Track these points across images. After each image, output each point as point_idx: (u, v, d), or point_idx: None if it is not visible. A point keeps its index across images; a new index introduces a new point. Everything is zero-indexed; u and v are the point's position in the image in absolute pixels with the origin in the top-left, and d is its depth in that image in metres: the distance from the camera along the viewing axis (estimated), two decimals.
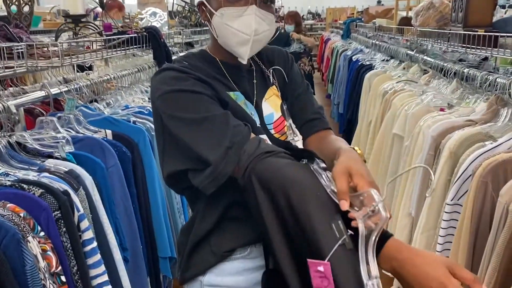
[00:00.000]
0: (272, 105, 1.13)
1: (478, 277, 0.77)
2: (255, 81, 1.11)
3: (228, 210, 1.02)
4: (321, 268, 0.75)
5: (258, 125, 1.07)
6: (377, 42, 4.09)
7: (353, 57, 4.24)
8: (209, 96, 0.97)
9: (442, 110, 2.02)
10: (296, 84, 1.21)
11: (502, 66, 2.27)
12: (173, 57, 2.73)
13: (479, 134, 1.60)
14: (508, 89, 1.64)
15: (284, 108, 1.15)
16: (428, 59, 2.65)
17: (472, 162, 1.46)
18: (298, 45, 5.45)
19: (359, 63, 3.90)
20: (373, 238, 0.74)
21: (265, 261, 1.03)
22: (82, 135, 1.56)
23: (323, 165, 0.87)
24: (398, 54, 3.33)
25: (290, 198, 0.81)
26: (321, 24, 12.76)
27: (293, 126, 1.14)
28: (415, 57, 2.92)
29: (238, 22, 1.01)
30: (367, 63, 3.76)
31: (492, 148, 1.46)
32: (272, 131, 1.10)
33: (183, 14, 3.88)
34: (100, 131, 1.67)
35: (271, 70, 1.16)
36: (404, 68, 3.09)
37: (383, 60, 3.64)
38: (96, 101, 1.86)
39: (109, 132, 1.67)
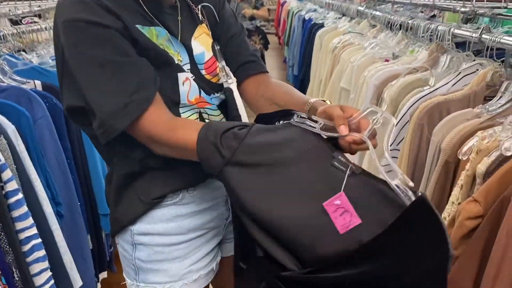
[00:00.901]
0: (202, 43, 1.04)
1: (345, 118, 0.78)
2: (179, 18, 1.00)
3: (145, 160, 0.96)
4: (338, 202, 0.73)
5: (187, 63, 0.99)
6: (329, 1, 4.04)
7: (306, 16, 4.19)
8: (121, 33, 0.87)
9: (386, 60, 2.02)
10: (229, 24, 1.13)
11: (449, 23, 2.29)
12: None
13: (419, 81, 1.61)
14: (448, 36, 1.65)
15: (216, 48, 1.08)
16: (377, 13, 2.64)
17: (410, 107, 1.47)
18: (250, 21, 5.28)
19: (312, 22, 3.86)
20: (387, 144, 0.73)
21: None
22: (5, 84, 1.45)
23: (303, 114, 0.83)
24: (349, 11, 3.31)
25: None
26: None
27: (227, 68, 1.08)
28: (365, 12, 2.91)
29: None
30: (320, 21, 3.72)
31: (430, 93, 1.47)
32: (203, 72, 1.02)
33: None
34: (28, 82, 1.56)
35: (199, 7, 1.08)
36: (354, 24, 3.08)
37: (336, 18, 3.61)
38: (24, 51, 1.74)
39: (38, 83, 1.57)
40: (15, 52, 1.69)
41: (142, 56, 0.89)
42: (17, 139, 1.26)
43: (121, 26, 0.87)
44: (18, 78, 1.55)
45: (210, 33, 1.09)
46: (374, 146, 0.77)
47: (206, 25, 1.09)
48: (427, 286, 0.69)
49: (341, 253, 0.72)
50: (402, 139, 1.49)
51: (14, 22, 2.43)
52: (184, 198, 1.02)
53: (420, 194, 0.67)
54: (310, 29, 3.80)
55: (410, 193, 0.69)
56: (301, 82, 4.00)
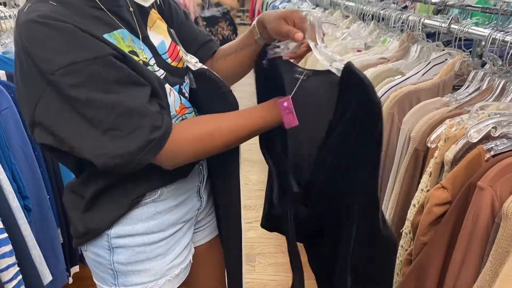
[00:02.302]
0: (159, 31, 1.00)
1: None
2: (131, 9, 0.95)
3: None
4: (285, 104, 0.89)
5: (151, 58, 0.94)
6: None
7: (280, 6, 4.18)
8: (113, 55, 0.81)
9: (359, 51, 2.03)
10: (175, 9, 1.11)
11: (420, 14, 2.32)
12: None
13: (390, 71, 1.63)
14: (418, 26, 1.67)
15: (172, 32, 1.05)
16: (350, 4, 2.65)
17: (381, 96, 1.49)
18: (216, 8, 5.15)
19: None
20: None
21: None
22: None
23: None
24: (322, 1, 3.32)
25: None
26: None
27: (185, 53, 1.06)
28: (338, 3, 2.92)
29: None
30: None
31: (400, 82, 1.49)
32: (169, 61, 0.99)
33: None
34: None
35: None
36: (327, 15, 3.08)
37: (310, 9, 3.61)
38: None
39: (2, 72, 1.51)
40: None
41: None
42: None
43: (112, 51, 0.81)
44: None
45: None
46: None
47: (155, 10, 1.04)
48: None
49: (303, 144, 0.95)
50: None
51: None
52: (162, 194, 1.00)
53: (348, 62, 0.83)
54: None
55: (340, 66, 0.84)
56: None
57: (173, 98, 0.94)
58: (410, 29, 1.75)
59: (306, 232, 1.03)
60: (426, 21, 1.63)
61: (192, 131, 0.89)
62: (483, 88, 1.22)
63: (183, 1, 5.19)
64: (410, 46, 1.71)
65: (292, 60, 0.96)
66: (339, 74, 0.84)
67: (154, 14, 1.02)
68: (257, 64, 1.02)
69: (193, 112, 1.01)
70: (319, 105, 0.93)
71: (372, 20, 2.21)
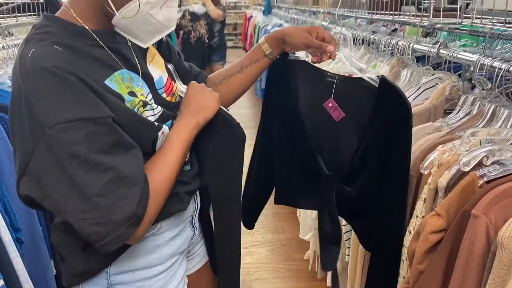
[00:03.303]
0: (158, 66, 1.03)
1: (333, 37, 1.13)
2: (129, 43, 0.96)
3: None
4: (330, 104, 1.17)
5: (148, 93, 0.95)
6: (295, 16, 4.11)
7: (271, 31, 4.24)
8: (112, 118, 0.82)
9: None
10: (172, 46, 1.15)
11: (410, 37, 2.35)
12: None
13: None
14: (408, 51, 1.70)
15: (170, 68, 1.08)
16: (339, 29, 2.69)
17: None
18: (202, 7, 5.19)
19: None
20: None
21: None
22: None
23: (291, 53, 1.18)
24: (314, 25, 3.37)
25: None
26: (245, 2, 12.68)
27: (183, 86, 1.08)
28: (328, 27, 2.96)
29: (162, 13, 0.90)
30: None
31: None
32: (164, 95, 1.01)
33: None
34: None
35: None
36: None
37: None
38: None
39: None
40: None
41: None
42: None
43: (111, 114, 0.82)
44: None
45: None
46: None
47: (153, 45, 1.06)
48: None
49: (338, 136, 1.19)
50: None
51: None
52: (161, 227, 1.00)
53: (381, 76, 1.09)
54: None
55: (375, 77, 1.11)
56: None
57: (161, 140, 0.94)
58: (400, 53, 1.78)
59: (348, 207, 1.22)
60: (416, 46, 1.66)
61: (154, 188, 0.87)
62: (474, 112, 1.23)
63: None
64: (401, 70, 1.73)
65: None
66: (373, 83, 1.10)
67: (153, 49, 1.04)
68: (276, 63, 1.18)
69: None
70: (355, 105, 1.15)
71: (363, 44, 2.24)
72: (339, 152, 1.20)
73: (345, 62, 1.17)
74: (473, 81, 1.40)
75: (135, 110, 0.90)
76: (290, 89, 1.20)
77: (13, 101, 0.81)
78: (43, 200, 0.79)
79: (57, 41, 0.82)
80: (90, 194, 0.77)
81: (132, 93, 0.91)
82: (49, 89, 0.77)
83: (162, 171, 0.90)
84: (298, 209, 2.70)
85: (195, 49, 5.07)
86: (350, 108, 1.16)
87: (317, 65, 1.17)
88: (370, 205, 1.16)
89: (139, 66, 0.95)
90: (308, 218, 2.28)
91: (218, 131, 1.03)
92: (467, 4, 1.39)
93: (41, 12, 2.15)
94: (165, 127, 0.95)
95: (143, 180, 0.84)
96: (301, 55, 1.21)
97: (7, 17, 1.92)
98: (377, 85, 1.09)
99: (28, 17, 2.07)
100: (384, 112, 1.08)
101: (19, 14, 2.00)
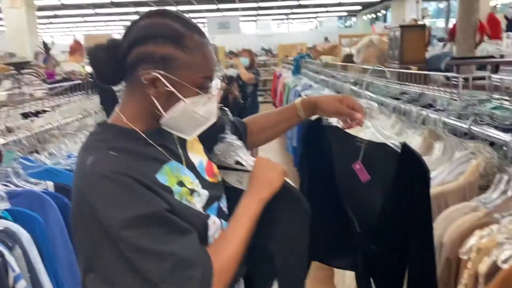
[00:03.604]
0: (197, 152, 1.11)
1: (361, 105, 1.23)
2: (174, 136, 1.05)
3: None
4: (357, 166, 1.30)
5: (195, 180, 1.03)
6: (324, 78, 4.24)
7: (302, 93, 4.37)
8: (166, 209, 0.90)
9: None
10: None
11: (440, 97, 2.41)
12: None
13: None
14: (439, 125, 1.74)
15: (205, 151, 1.16)
16: (370, 94, 2.77)
17: None
18: (236, 70, 5.55)
19: None
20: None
21: None
22: (20, 189, 1.51)
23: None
24: (343, 89, 3.47)
25: None
26: (273, 60, 13.11)
27: (244, 157, 1.15)
28: (359, 92, 3.05)
29: (204, 109, 0.99)
30: None
31: None
32: (207, 177, 1.09)
33: None
34: (40, 183, 1.62)
35: None
36: None
37: None
38: (37, 151, 1.82)
39: (50, 183, 1.63)
40: (28, 154, 1.76)
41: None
42: (31, 246, 1.30)
43: (166, 206, 0.90)
44: (31, 179, 1.61)
45: None
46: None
47: None
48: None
49: (365, 196, 1.31)
50: None
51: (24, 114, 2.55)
52: None
53: (403, 142, 1.22)
54: None
55: (398, 144, 1.24)
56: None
57: (214, 229, 1.00)
58: (431, 125, 1.82)
59: (376, 266, 1.33)
60: (447, 120, 1.70)
61: (221, 265, 0.94)
62: (510, 193, 1.25)
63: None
64: (433, 143, 1.77)
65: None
66: (396, 148, 1.23)
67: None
68: (311, 127, 1.37)
69: None
70: (380, 168, 1.27)
71: (393, 112, 2.30)
72: (366, 211, 1.31)
73: (372, 129, 1.32)
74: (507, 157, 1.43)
75: (184, 200, 0.97)
76: (324, 151, 1.36)
77: (75, 205, 0.91)
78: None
79: (111, 147, 0.93)
80: (156, 281, 0.84)
81: (180, 183, 0.99)
82: (108, 193, 0.86)
83: (229, 248, 0.97)
84: (335, 273, 2.68)
85: (232, 110, 5.33)
86: (376, 171, 1.28)
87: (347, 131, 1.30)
88: (395, 261, 1.27)
89: (182, 157, 1.05)
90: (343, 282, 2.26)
91: (282, 203, 1.09)
92: (496, 86, 1.44)
93: (90, 91, 2.33)
94: (214, 217, 1.01)
95: (204, 259, 0.91)
96: (333, 121, 1.35)
97: (61, 98, 2.09)
98: (399, 151, 1.22)
99: (79, 95, 2.25)
100: (405, 175, 1.20)
101: (71, 94, 2.18)
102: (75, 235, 0.92)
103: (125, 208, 0.85)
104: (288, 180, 1.11)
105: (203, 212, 1.00)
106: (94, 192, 0.86)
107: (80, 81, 2.24)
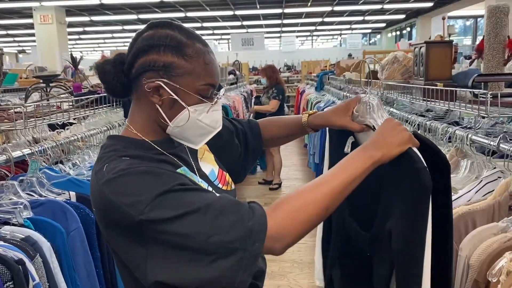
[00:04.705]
0: (208, 161, 1.14)
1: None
2: (184, 146, 1.07)
3: None
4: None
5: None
6: (347, 94, 4.21)
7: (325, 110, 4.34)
8: (183, 181, 0.90)
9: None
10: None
11: (467, 115, 2.35)
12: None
13: None
14: (466, 142, 1.69)
15: (218, 161, 1.18)
16: (394, 111, 2.73)
17: None
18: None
19: None
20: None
21: None
22: (43, 198, 1.54)
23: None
24: None
25: None
26: (297, 76, 13.14)
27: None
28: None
29: (209, 117, 1.00)
30: None
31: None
32: (220, 185, 1.11)
33: None
34: (63, 193, 1.65)
35: None
36: None
37: None
38: (61, 162, 1.85)
39: (73, 194, 1.65)
40: (52, 164, 1.79)
41: None
42: (52, 256, 1.31)
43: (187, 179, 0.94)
44: (54, 189, 1.64)
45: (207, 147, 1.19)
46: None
47: None
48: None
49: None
50: None
51: (51, 126, 2.61)
52: None
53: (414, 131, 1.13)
54: None
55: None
56: (322, 171, 4.06)
57: None
58: (458, 141, 1.77)
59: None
60: (474, 137, 1.65)
61: (288, 207, 0.89)
62: None
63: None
64: (460, 160, 1.72)
65: None
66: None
67: (202, 147, 1.14)
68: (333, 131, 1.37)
69: None
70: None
71: (419, 129, 2.25)
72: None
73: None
74: None
75: None
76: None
77: (102, 214, 0.92)
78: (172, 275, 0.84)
79: (124, 155, 0.95)
80: (205, 238, 0.83)
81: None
82: (126, 186, 0.87)
83: (309, 194, 0.91)
84: None
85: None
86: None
87: None
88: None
89: (194, 166, 1.07)
90: None
91: (402, 175, 0.98)
92: None
93: (115, 103, 2.37)
94: None
95: (239, 203, 0.89)
96: None
97: (87, 110, 2.13)
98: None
99: (104, 108, 2.28)
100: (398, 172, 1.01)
101: (96, 106, 2.22)
102: (114, 245, 0.94)
103: (146, 191, 0.85)
104: (414, 149, 0.98)
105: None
106: (114, 190, 0.87)
107: (105, 94, 2.28)
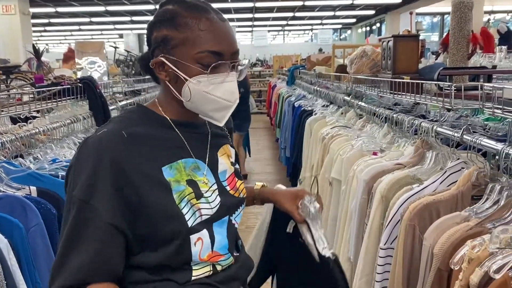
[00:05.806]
0: (225, 162, 1.09)
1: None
2: (210, 130, 1.06)
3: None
4: None
5: (213, 184, 1.02)
6: (318, 89, 4.23)
7: (296, 103, 4.36)
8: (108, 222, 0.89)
9: (375, 154, 2.08)
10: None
11: (434, 109, 2.40)
12: (113, 108, 2.69)
13: (407, 177, 1.65)
14: (431, 134, 1.72)
15: (238, 170, 1.13)
16: (363, 104, 2.76)
17: (400, 205, 1.50)
18: None
19: (302, 109, 4.01)
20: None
21: None
22: (1, 194, 1.47)
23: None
24: (336, 99, 3.46)
25: None
26: (269, 71, 13.14)
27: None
28: (351, 102, 3.04)
29: (221, 89, 0.95)
30: (309, 108, 3.87)
31: (419, 191, 1.51)
32: (228, 188, 1.05)
33: (125, 64, 3.86)
34: (23, 188, 1.58)
35: (225, 129, 1.14)
36: (342, 113, 3.20)
37: (323, 105, 3.76)
38: (21, 156, 1.77)
39: (33, 188, 1.59)
40: (12, 158, 1.72)
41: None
42: (9, 253, 1.26)
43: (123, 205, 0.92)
44: (14, 184, 1.57)
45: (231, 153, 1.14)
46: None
47: (230, 146, 1.14)
48: None
49: None
50: (395, 237, 1.50)
51: (13, 120, 2.51)
52: None
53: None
54: (300, 115, 3.94)
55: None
56: (294, 165, 4.07)
57: (200, 247, 0.95)
58: (423, 133, 1.80)
59: None
60: (439, 129, 1.68)
61: None
62: (502, 202, 1.23)
63: None
64: (425, 152, 1.75)
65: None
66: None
67: (225, 149, 1.11)
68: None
69: (231, 258, 1.02)
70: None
71: (386, 122, 2.28)
72: None
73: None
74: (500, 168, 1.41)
75: (183, 201, 0.94)
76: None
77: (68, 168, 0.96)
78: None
79: (130, 128, 0.94)
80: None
81: (190, 181, 0.97)
82: (85, 168, 0.89)
83: None
84: None
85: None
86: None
87: None
88: None
89: (207, 155, 1.03)
90: None
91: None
92: (488, 94, 1.42)
93: (80, 96, 2.29)
94: (203, 232, 0.96)
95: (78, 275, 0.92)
96: None
97: (49, 102, 2.05)
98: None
99: (68, 100, 2.21)
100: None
101: (59, 99, 2.14)
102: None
103: (84, 190, 0.89)
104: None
105: (188, 224, 0.94)
106: (77, 160, 0.92)
107: (69, 86, 2.20)
